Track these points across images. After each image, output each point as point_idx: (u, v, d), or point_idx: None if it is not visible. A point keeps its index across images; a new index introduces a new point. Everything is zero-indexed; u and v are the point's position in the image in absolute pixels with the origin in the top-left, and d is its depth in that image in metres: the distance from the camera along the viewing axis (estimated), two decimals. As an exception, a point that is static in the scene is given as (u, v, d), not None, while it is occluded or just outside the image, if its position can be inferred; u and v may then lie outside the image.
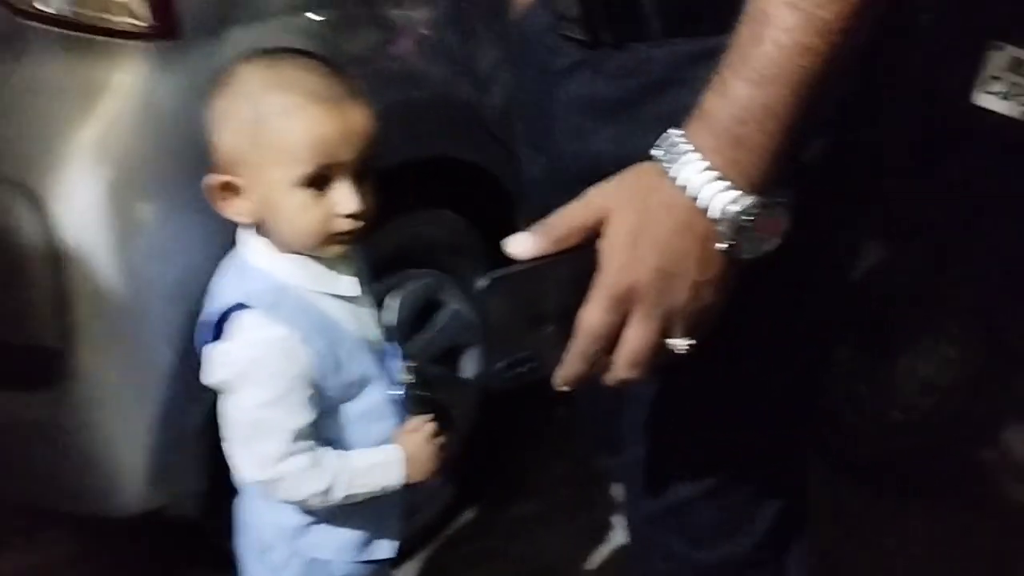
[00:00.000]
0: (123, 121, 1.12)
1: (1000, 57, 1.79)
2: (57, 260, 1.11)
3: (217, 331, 0.91)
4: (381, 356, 0.98)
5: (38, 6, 1.11)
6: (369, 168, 0.91)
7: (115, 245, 1.12)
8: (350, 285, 0.94)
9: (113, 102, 1.12)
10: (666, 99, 0.74)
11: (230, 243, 0.99)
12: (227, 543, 1.44)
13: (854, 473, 1.92)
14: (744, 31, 0.64)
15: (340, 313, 0.94)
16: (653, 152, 0.65)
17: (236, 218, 0.92)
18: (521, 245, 0.63)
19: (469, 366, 1.66)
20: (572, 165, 0.83)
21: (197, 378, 1.16)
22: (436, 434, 1.00)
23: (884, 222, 1.80)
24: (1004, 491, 1.97)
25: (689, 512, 0.89)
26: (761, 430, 0.85)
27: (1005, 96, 1.80)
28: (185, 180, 1.14)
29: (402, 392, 0.99)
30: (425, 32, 1.45)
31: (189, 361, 1.17)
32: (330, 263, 0.94)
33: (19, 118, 1.12)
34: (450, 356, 1.63)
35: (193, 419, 1.21)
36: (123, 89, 1.12)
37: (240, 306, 0.90)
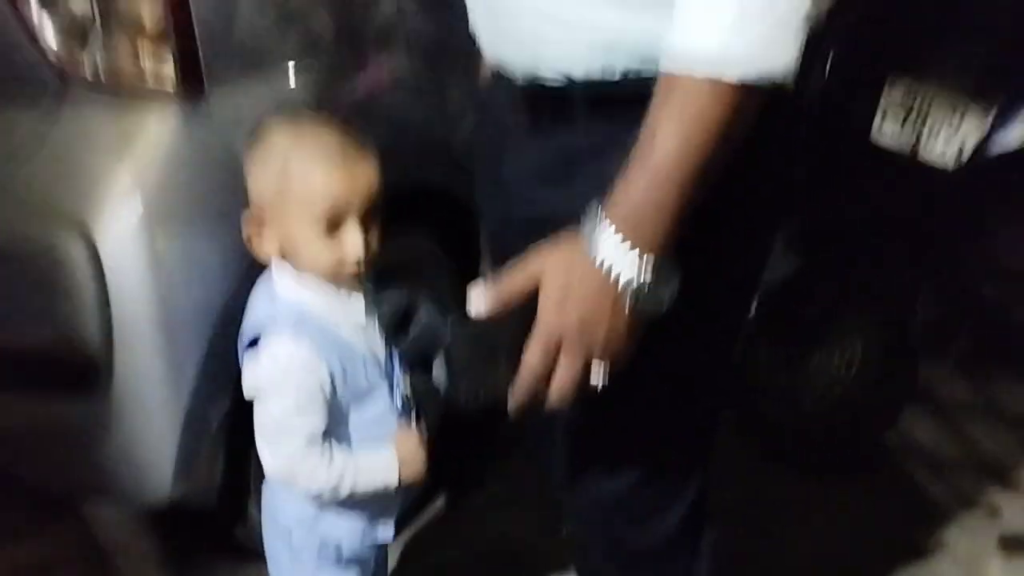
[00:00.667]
0: (154, 165, 1.31)
1: (896, 89, 2.04)
2: (101, 281, 1.29)
3: (252, 346, 1.10)
4: (385, 368, 1.16)
5: (84, 74, 1.30)
6: (377, 210, 1.10)
7: (147, 268, 1.31)
8: (359, 309, 1.14)
9: (146, 149, 1.30)
10: (597, 171, 0.87)
11: (245, 268, 1.19)
12: (239, 531, 1.62)
13: (779, 459, 2.12)
14: (643, 141, 0.80)
15: (351, 332, 1.13)
16: (581, 224, 0.82)
17: (264, 250, 1.11)
18: (477, 305, 0.83)
19: (440, 372, 1.85)
20: (520, 222, 1.00)
21: (217, 384, 1.37)
22: (425, 440, 1.17)
23: (797, 235, 2.05)
24: (906, 471, 2.18)
25: (622, 498, 1.06)
26: (673, 436, 1.04)
27: (902, 123, 2.05)
28: (206, 214, 1.34)
29: (400, 401, 1.16)
30: (404, 75, 1.65)
31: (211, 369, 1.37)
32: (343, 290, 1.13)
33: (69, 161, 1.30)
34: (425, 363, 1.83)
35: (214, 420, 1.39)
36: (154, 138, 1.30)
37: (269, 327, 1.09)
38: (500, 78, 1.01)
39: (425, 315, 1.99)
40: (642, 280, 0.82)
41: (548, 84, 0.93)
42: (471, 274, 1.84)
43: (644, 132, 0.81)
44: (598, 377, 0.84)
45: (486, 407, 0.87)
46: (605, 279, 0.81)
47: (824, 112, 1.68)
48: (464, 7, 1.02)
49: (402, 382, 1.17)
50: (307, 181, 1.06)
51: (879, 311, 2.15)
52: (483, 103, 1.12)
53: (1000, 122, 1.98)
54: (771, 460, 2.13)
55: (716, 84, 0.78)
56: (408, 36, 1.62)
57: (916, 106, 1.99)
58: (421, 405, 1.18)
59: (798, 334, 2.11)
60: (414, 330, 1.85)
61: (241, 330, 1.13)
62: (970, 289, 2.47)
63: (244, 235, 1.12)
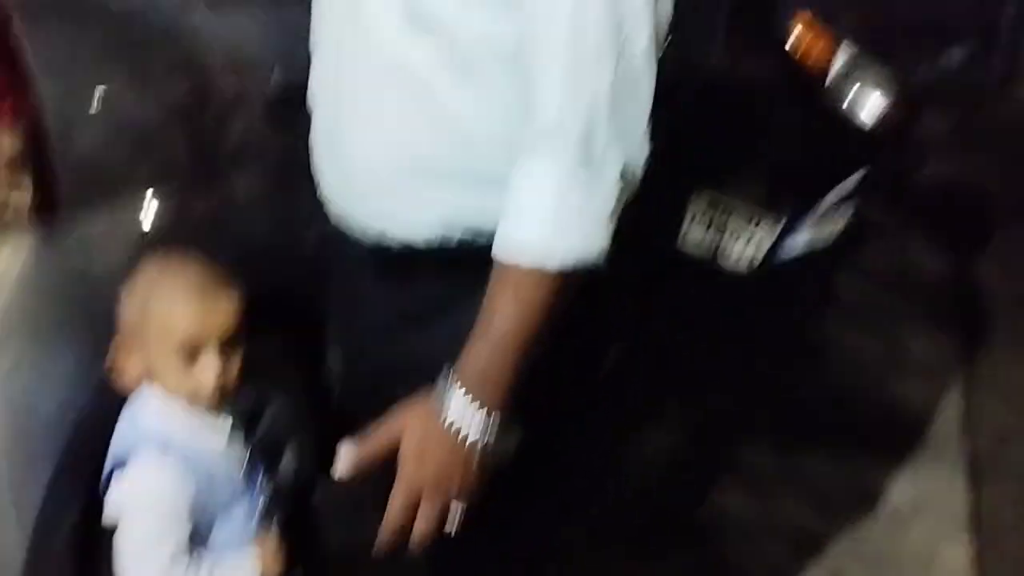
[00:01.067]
0: (8, 287, 1.36)
1: (700, 201, 2.30)
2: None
3: (117, 469, 1.16)
4: (247, 476, 1.25)
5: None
6: (237, 339, 1.20)
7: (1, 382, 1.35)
8: (224, 429, 1.23)
9: (2, 272, 1.35)
10: (447, 320, 1.03)
11: (94, 385, 1.25)
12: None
13: (617, 532, 2.25)
14: (484, 315, 0.95)
15: (214, 448, 1.22)
16: (435, 384, 0.96)
17: (129, 375, 1.19)
18: (343, 467, 0.97)
19: (289, 463, 1.94)
20: (376, 371, 1.13)
21: (65, 500, 1.41)
22: (284, 542, 1.24)
23: (619, 334, 2.26)
24: (724, 548, 2.35)
25: None
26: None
27: (707, 228, 2.31)
28: (59, 334, 1.39)
29: (260, 506, 1.25)
30: (255, 191, 1.75)
31: (59, 485, 1.40)
32: (207, 413, 1.21)
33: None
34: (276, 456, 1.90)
35: (62, 536, 1.42)
36: (8, 262, 1.36)
37: (135, 450, 1.16)
38: (347, 236, 1.13)
39: (274, 411, 2.09)
40: (488, 435, 0.96)
41: (391, 246, 1.07)
42: (317, 371, 1.94)
43: (484, 307, 0.96)
44: (454, 521, 0.99)
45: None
46: (456, 436, 0.95)
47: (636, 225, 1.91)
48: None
49: (260, 488, 1.26)
50: (166, 314, 1.16)
51: (692, 399, 2.37)
52: (331, 244, 1.23)
53: (787, 231, 2.28)
54: (598, 541, 2.25)
55: (540, 272, 0.94)
56: (258, 155, 1.73)
57: (717, 216, 2.26)
58: (275, 503, 1.26)
59: (621, 419, 2.29)
60: (263, 426, 1.94)
61: (108, 454, 1.19)
62: (772, 371, 2.77)
63: (109, 361, 1.19)
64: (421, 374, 1.05)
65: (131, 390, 1.21)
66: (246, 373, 1.82)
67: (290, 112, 1.71)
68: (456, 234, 1.04)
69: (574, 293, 0.97)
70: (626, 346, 2.19)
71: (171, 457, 1.16)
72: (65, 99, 1.39)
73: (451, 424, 0.95)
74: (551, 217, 0.93)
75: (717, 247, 2.27)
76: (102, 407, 1.33)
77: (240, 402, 1.81)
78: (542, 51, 0.93)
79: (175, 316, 1.16)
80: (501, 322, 0.95)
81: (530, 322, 0.95)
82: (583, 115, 0.92)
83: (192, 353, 1.16)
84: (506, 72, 0.97)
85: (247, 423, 1.85)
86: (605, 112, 0.93)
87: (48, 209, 1.36)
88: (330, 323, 1.29)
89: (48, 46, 1.38)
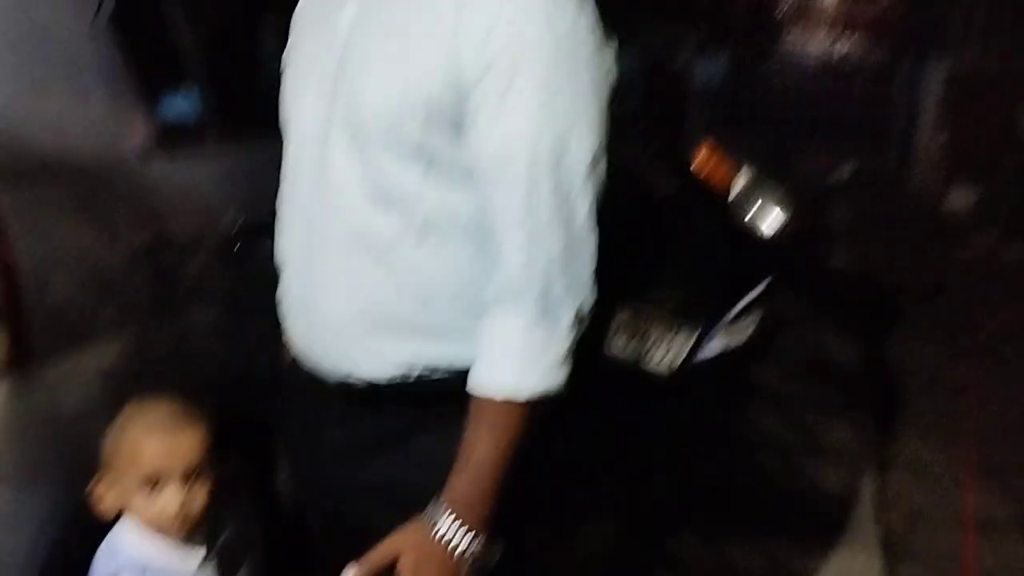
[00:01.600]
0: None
1: (624, 311, 2.49)
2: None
3: None
4: None
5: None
6: (202, 471, 1.32)
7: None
8: (195, 555, 1.34)
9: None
10: (412, 444, 1.18)
11: (66, 520, 1.34)
12: None
13: None
14: (463, 448, 1.10)
15: (188, 572, 1.32)
16: (427, 508, 1.10)
17: (106, 504, 1.30)
18: None
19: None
20: (341, 494, 1.25)
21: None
22: None
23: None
24: None
25: None
26: None
27: (630, 337, 2.50)
28: (33, 472, 1.48)
29: None
30: (212, 323, 1.88)
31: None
32: (179, 540, 1.32)
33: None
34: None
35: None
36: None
37: (114, 574, 1.26)
38: (309, 370, 1.27)
39: (232, 529, 2.18)
40: (474, 551, 1.10)
41: (355, 384, 1.21)
42: (270, 483, 2.03)
43: (465, 439, 1.11)
44: None
45: None
46: (448, 553, 1.10)
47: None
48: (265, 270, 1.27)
49: None
50: (134, 448, 1.29)
51: (625, 492, 2.51)
52: (287, 383, 1.37)
53: (704, 336, 2.47)
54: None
55: (513, 404, 1.10)
56: (213, 290, 1.86)
57: (640, 325, 2.45)
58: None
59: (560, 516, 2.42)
60: (222, 542, 2.02)
61: None
62: (697, 464, 2.93)
63: (88, 490, 1.30)
64: (384, 496, 1.20)
65: (108, 517, 1.31)
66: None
67: (246, 249, 1.85)
68: (415, 372, 1.18)
69: (540, 420, 1.12)
70: (565, 448, 2.33)
71: None
72: (38, 253, 1.49)
73: (443, 540, 1.10)
74: (519, 358, 1.10)
75: (640, 353, 2.45)
76: (73, 540, 1.42)
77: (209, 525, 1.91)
78: (502, 221, 1.10)
79: (141, 450, 1.29)
80: (480, 451, 1.10)
81: (505, 449, 1.10)
82: (540, 275, 1.09)
83: (157, 484, 1.28)
84: (464, 235, 1.13)
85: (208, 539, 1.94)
86: (558, 270, 1.10)
87: (22, 355, 1.46)
88: (284, 446, 1.40)
89: (21, 203, 1.49)
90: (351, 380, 1.21)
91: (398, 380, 1.19)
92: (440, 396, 1.17)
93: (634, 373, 2.44)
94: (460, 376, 1.15)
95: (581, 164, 1.10)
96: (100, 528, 1.37)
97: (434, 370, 1.18)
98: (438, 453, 1.15)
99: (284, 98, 1.29)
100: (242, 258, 1.90)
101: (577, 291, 1.12)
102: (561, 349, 1.12)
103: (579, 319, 1.13)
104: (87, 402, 1.54)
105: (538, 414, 1.12)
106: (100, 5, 1.75)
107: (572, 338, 1.12)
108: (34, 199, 1.52)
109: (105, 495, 1.31)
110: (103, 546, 1.32)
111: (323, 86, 1.18)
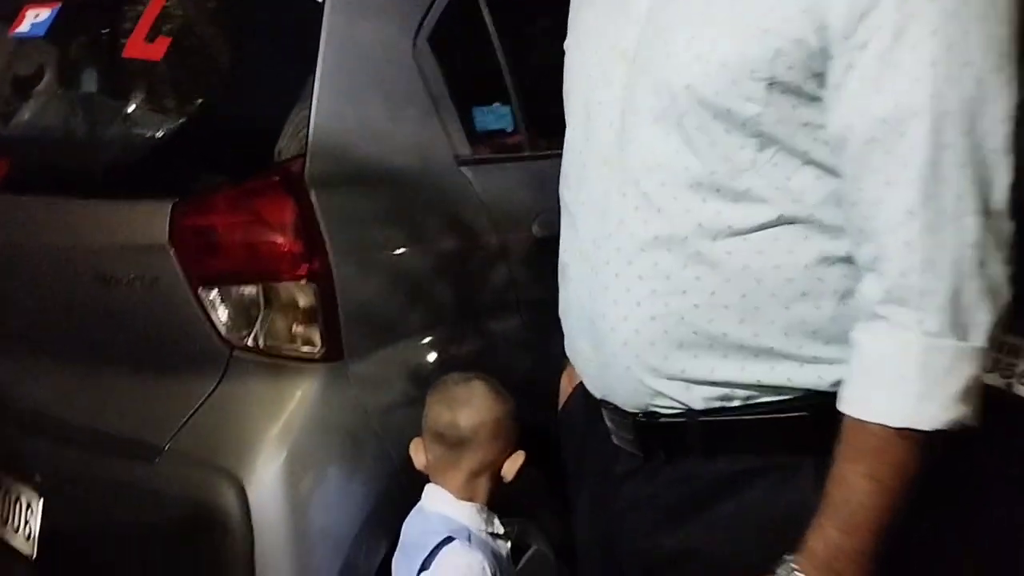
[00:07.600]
0: (298, 421, 1.53)
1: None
2: (248, 522, 1.49)
3: (426, 563, 1.34)
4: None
5: (246, 342, 1.56)
6: (504, 440, 1.43)
7: (291, 509, 1.51)
8: (497, 524, 1.41)
9: (293, 407, 1.53)
10: (715, 507, 0.96)
11: (372, 503, 1.43)
12: None
13: None
14: (833, 490, 0.87)
15: (499, 541, 1.42)
16: (777, 572, 0.89)
17: (418, 462, 1.42)
18: None
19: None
20: (634, 558, 1.05)
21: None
22: None
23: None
24: None
25: None
26: None
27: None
28: (341, 461, 1.55)
29: None
30: (513, 334, 1.86)
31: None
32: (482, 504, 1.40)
33: (226, 420, 1.53)
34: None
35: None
36: (301, 397, 1.54)
37: (446, 540, 1.33)
38: (601, 406, 1.08)
39: (536, 548, 2.12)
40: None
41: (662, 417, 1.00)
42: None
43: (832, 480, 0.89)
44: None
45: None
46: None
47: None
48: None
49: None
50: (438, 410, 1.43)
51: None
52: (572, 413, 1.21)
53: None
54: None
55: (909, 435, 0.87)
56: (519, 301, 1.84)
57: None
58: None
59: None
60: (526, 560, 1.97)
61: (400, 552, 1.39)
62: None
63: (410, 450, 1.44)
64: (698, 563, 1.00)
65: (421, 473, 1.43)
66: (510, 503, 1.93)
67: (551, 259, 1.82)
68: (733, 402, 0.98)
69: (930, 463, 0.89)
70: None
71: (474, 546, 1.35)
72: (351, 255, 1.57)
73: None
74: (920, 377, 0.88)
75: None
76: (385, 511, 1.52)
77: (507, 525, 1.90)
78: (887, 208, 0.89)
79: (440, 411, 1.39)
80: (857, 494, 0.88)
81: (892, 492, 0.88)
82: (947, 274, 0.88)
83: (458, 444, 1.37)
84: (808, 225, 0.94)
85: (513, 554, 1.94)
86: (970, 268, 0.88)
87: (334, 350, 1.54)
88: (570, 488, 1.24)
89: (339, 209, 1.57)
90: (652, 411, 1.01)
91: (713, 411, 0.99)
92: (763, 437, 0.96)
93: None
94: (788, 407, 0.96)
95: (997, 130, 0.87)
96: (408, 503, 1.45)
97: (751, 396, 0.97)
98: (770, 506, 0.96)
99: (568, 86, 1.15)
100: (548, 268, 1.87)
101: (994, 295, 0.89)
102: (973, 368, 0.88)
103: (994, 331, 0.90)
104: (393, 397, 1.60)
105: (934, 454, 0.88)
106: (419, 27, 1.82)
107: (985, 354, 0.89)
108: (351, 205, 1.60)
109: (417, 458, 1.42)
110: (410, 518, 1.41)
111: (617, 66, 1.02)
